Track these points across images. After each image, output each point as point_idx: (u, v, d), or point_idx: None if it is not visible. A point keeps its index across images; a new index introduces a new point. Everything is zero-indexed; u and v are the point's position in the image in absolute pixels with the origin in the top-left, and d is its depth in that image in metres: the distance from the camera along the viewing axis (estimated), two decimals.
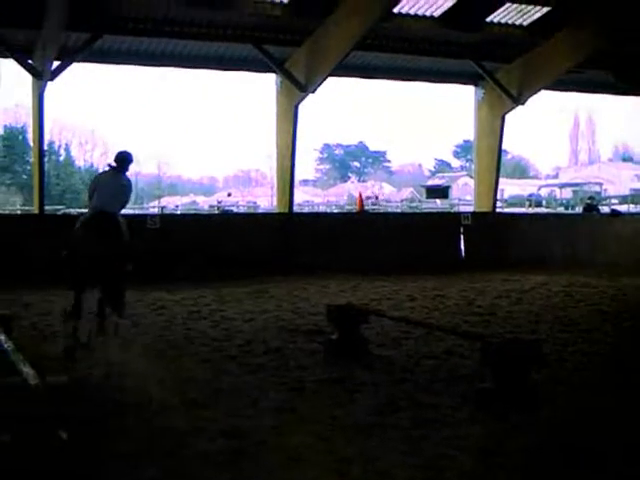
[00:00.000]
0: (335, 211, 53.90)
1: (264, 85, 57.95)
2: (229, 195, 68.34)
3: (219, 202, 57.87)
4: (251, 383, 7.57)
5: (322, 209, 60.02)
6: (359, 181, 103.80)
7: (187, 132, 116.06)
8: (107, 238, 10.54)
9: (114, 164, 11.58)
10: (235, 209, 54.43)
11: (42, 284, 14.29)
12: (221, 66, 20.55)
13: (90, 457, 5.36)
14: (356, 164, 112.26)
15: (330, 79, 19.34)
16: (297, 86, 19.12)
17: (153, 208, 57.13)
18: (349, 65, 19.51)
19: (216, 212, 42.71)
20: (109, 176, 11.59)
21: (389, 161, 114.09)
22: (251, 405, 6.79)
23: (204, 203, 69.47)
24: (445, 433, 6.07)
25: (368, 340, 8.95)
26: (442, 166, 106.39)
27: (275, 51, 19.16)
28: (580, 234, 21.55)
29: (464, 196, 63.44)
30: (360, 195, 31.75)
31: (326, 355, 8.69)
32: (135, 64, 20.38)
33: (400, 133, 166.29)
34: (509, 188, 77.15)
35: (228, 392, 7.24)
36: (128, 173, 11.70)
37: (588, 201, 28.07)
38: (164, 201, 67.95)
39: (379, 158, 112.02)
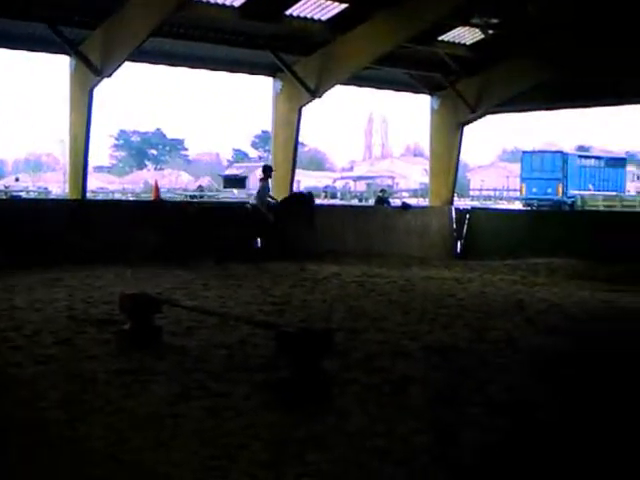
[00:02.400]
0: (131, 198, 52.98)
1: (58, 67, 55.98)
2: (17, 180, 65.79)
3: (6, 187, 55.54)
4: (40, 375, 7.31)
5: (117, 196, 58.81)
6: (156, 169, 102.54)
7: None
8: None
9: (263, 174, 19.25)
10: (24, 194, 52.36)
11: None
12: (12, 45, 19.66)
13: None
14: (153, 152, 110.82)
15: (127, 64, 18.94)
16: (92, 70, 18.56)
17: None
18: (147, 51, 19.14)
19: (3, 197, 40.93)
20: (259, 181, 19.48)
21: (187, 149, 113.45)
22: (41, 397, 6.56)
23: None
24: (239, 422, 6.09)
25: (161, 330, 8.84)
26: (240, 156, 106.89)
27: (70, 32, 18.50)
28: (372, 226, 22.18)
29: None
30: (156, 183, 31.33)
31: (118, 345, 8.52)
32: None
33: (199, 122, 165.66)
34: (305, 180, 78.53)
35: (16, 384, 6.96)
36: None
37: (380, 194, 28.90)
38: None
39: (177, 146, 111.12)
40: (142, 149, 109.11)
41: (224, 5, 18.81)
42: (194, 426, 5.98)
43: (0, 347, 8.49)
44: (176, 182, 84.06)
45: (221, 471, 5.16)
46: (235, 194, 62.68)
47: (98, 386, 7.03)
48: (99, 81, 18.70)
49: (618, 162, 54.83)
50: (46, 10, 17.75)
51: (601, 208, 44.58)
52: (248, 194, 61.19)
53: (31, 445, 5.43)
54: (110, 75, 18.50)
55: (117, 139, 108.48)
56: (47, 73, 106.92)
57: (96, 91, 19.04)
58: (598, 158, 54.45)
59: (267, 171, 19.18)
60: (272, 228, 18.30)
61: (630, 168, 66.02)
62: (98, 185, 73.11)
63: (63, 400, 6.51)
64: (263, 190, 18.94)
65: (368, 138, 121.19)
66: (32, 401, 6.43)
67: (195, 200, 49.41)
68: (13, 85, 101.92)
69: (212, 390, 6.95)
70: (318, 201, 51.54)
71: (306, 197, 19.66)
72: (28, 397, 6.55)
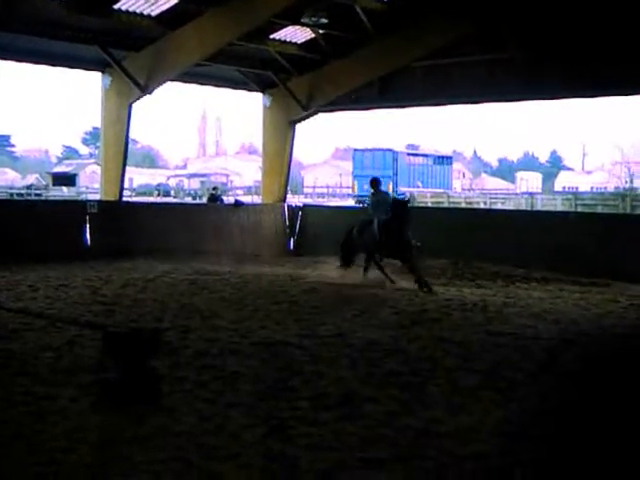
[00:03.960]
0: None
1: None
2: None
3: None
4: None
5: None
6: None
7: None
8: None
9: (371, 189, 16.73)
10: None
11: None
12: None
13: None
14: None
15: None
16: None
17: None
18: None
19: None
20: (376, 196, 16.45)
21: (14, 146, 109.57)
22: None
23: None
24: (65, 426, 5.97)
25: None
26: (70, 153, 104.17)
27: None
28: (205, 223, 22.08)
29: (93, 184, 62.52)
30: None
31: None
32: None
33: (26, 117, 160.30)
34: (138, 177, 77.36)
35: None
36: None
37: (212, 191, 28.83)
38: None
39: (2, 142, 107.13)
40: None
41: None
42: (16, 433, 5.81)
43: None
44: (1, 179, 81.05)
45: (46, 477, 5.03)
46: (65, 192, 61.02)
47: None
48: None
49: (445, 160, 56.83)
50: None
51: (429, 204, 46.04)
52: (78, 192, 59.71)
53: None
54: None
55: None
56: None
57: None
58: (426, 156, 56.24)
59: (378, 184, 16.73)
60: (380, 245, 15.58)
61: (456, 166, 68.50)
62: None
63: None
64: (376, 204, 16.18)
65: (202, 135, 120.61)
66: None
67: (23, 198, 47.87)
68: None
69: (38, 394, 6.77)
70: (151, 199, 50.92)
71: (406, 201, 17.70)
72: None
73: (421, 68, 22.33)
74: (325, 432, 5.94)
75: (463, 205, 46.88)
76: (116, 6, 19.17)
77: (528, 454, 5.66)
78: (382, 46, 21.58)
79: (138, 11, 19.63)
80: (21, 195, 53.55)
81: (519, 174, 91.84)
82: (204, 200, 43.90)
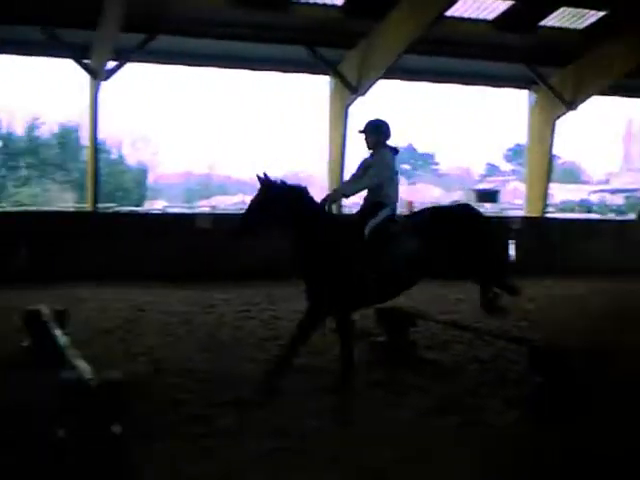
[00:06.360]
0: None
1: (315, 86, 57.72)
2: None
3: None
4: (296, 385, 7.51)
5: None
6: (409, 184, 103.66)
7: (238, 133, 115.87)
8: None
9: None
10: None
11: (94, 280, 14.73)
12: (273, 67, 20.62)
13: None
14: (405, 166, 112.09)
15: (380, 81, 19.31)
16: (348, 88, 19.14)
17: (203, 207, 57.45)
18: (400, 68, 19.39)
19: None
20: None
21: (437, 164, 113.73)
22: (298, 406, 6.88)
23: None
24: (492, 433, 6.19)
25: (415, 344, 8.98)
26: (492, 170, 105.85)
27: (327, 53, 19.15)
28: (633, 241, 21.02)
29: (513, 201, 62.99)
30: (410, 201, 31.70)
31: (373, 357, 8.72)
32: (187, 64, 20.46)
33: (449, 136, 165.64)
34: (560, 193, 76.48)
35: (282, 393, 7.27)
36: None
37: None
38: (214, 201, 68.12)
39: (428, 160, 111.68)
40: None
41: (478, 19, 18.80)
42: (451, 436, 6.11)
43: (259, 356, 8.92)
44: (427, 196, 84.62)
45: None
46: (487, 208, 62.14)
47: (359, 397, 7.30)
48: (355, 99, 19.26)
49: None
50: (305, 33, 18.44)
51: None
52: (500, 208, 60.47)
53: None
54: (365, 93, 19.02)
55: None
56: (304, 93, 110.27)
57: (351, 108, 19.61)
58: None
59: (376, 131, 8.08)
60: None
61: None
62: None
63: (314, 410, 6.81)
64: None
65: (626, 148, 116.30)
66: (287, 410, 6.76)
67: None
68: (273, 106, 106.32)
69: (466, 404, 6.99)
70: (573, 215, 49.67)
71: None
72: (284, 407, 6.88)
73: None
74: None
75: None
76: (542, 22, 19.24)
77: None
78: None
79: (564, 26, 19.51)
80: None
81: None
82: (630, 216, 42.20)
